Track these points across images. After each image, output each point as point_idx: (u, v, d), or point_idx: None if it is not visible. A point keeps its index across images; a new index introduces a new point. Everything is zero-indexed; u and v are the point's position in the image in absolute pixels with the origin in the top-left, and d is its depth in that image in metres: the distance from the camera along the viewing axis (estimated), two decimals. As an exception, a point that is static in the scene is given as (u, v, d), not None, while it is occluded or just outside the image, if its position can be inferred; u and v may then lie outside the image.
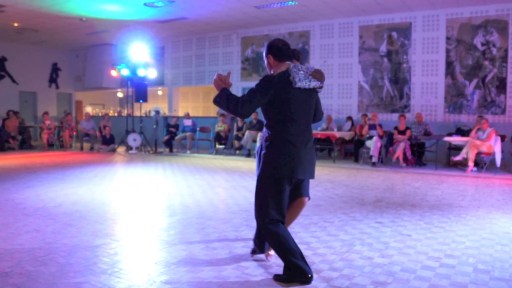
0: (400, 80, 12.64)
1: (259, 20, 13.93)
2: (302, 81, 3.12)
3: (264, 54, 3.33)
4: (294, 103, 3.11)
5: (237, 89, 15.59)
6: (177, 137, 13.99)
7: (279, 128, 3.13)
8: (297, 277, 3.08)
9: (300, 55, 3.67)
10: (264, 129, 3.27)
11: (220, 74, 3.21)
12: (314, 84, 3.18)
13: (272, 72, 3.22)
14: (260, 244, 3.64)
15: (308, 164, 3.18)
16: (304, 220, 5.05)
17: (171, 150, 14.04)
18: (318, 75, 3.19)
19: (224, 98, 3.12)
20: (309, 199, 3.55)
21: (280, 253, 3.11)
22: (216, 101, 3.15)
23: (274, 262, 3.60)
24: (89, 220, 4.96)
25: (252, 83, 15.17)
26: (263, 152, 3.21)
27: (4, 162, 10.95)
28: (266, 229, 3.12)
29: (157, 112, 14.55)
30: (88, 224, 4.80)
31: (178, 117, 15.01)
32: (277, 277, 3.18)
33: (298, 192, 3.41)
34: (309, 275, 3.09)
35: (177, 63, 17.22)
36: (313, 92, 3.27)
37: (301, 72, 3.15)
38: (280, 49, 3.25)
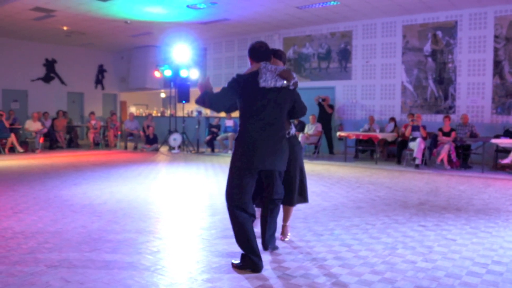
0: (445, 80, 12.30)
1: (301, 21, 13.88)
2: (267, 81, 3.37)
3: None
4: (258, 100, 3.36)
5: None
6: (218, 137, 14.11)
7: (243, 123, 3.44)
8: (248, 267, 3.38)
9: (283, 55, 4.08)
10: None
11: (206, 80, 3.56)
12: (280, 83, 3.41)
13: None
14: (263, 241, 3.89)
15: (268, 155, 3.40)
16: (345, 222, 4.99)
17: (212, 150, 14.18)
18: (285, 74, 3.44)
19: (203, 96, 3.44)
20: (290, 205, 3.97)
21: (237, 240, 3.45)
22: (198, 100, 3.47)
23: (316, 263, 3.58)
24: (133, 218, 5.08)
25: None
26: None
27: (53, 160, 11.37)
28: (230, 212, 3.45)
29: (199, 112, 14.73)
30: (132, 221, 4.91)
31: (220, 118, 15.15)
32: (233, 264, 3.49)
33: (271, 192, 3.66)
34: (259, 268, 3.35)
35: (219, 64, 17.39)
36: (284, 90, 3.47)
37: (269, 72, 3.40)
38: (256, 50, 3.59)
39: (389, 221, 5.08)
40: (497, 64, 11.55)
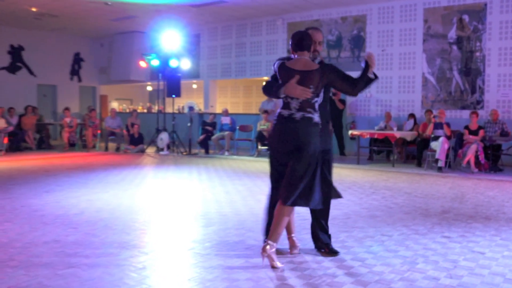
0: (472, 71, 12.31)
1: (308, 3, 13.90)
2: None
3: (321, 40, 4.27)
4: None
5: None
6: (213, 137, 14.12)
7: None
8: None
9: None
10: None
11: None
12: None
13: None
14: (316, 239, 4.40)
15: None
16: (358, 233, 5.00)
17: (207, 152, 14.20)
18: None
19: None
20: (285, 204, 3.93)
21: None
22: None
23: (325, 280, 3.59)
24: (114, 230, 5.08)
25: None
26: None
27: (20, 163, 11.37)
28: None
29: (191, 108, 14.74)
30: (113, 234, 4.92)
31: (215, 114, 15.16)
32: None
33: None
34: None
35: (214, 53, 17.41)
36: None
37: None
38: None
39: (408, 232, 5.08)
40: (531, 52, 11.56)
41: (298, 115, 3.95)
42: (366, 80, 4.09)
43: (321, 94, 4.13)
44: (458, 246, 4.59)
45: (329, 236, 4.43)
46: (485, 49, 12.12)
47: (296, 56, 4.11)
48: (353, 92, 4.10)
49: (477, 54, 12.23)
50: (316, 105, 4.04)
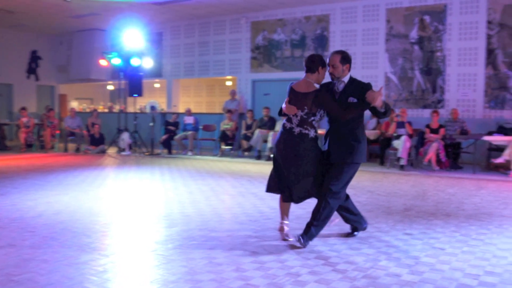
0: (433, 71, 12.59)
1: (272, 2, 13.96)
2: None
3: (338, 61, 4.57)
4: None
5: (246, 82, 15.61)
6: (176, 137, 14.04)
7: (357, 123, 4.65)
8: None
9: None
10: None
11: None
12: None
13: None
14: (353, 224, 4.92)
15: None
16: (322, 232, 5.05)
17: (169, 152, 14.10)
18: None
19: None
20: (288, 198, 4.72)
21: (325, 220, 4.60)
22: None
23: (289, 279, 3.61)
24: (74, 233, 4.99)
25: (263, 75, 15.20)
26: None
27: (-20, 165, 11.06)
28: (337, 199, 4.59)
29: (154, 107, 14.62)
30: (73, 237, 4.84)
31: (178, 114, 15.07)
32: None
33: None
34: None
35: (177, 52, 17.30)
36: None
37: None
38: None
39: (371, 230, 5.16)
40: (490, 52, 11.88)
41: (296, 130, 4.61)
42: (369, 110, 4.52)
43: (320, 113, 4.63)
44: (419, 243, 4.69)
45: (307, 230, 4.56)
46: (446, 49, 12.40)
47: (304, 77, 4.69)
48: (341, 117, 4.53)
49: (438, 54, 12.50)
50: (314, 123, 4.62)
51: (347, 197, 4.83)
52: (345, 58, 4.60)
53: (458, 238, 4.89)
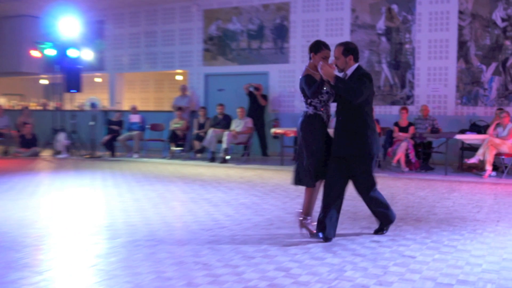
0: (401, 64, 12.81)
1: (225, -12, 13.93)
2: None
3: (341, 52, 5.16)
4: (373, 94, 5.33)
5: (198, 76, 15.54)
6: (120, 137, 13.86)
7: (364, 114, 5.18)
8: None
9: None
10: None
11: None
12: None
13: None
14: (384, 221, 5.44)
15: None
16: (282, 241, 5.06)
17: (113, 154, 13.92)
18: None
19: (342, 83, 4.98)
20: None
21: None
22: (338, 87, 4.99)
23: (244, 294, 3.59)
24: (1, 247, 4.86)
25: (217, 68, 15.16)
26: None
27: None
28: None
29: (94, 105, 14.41)
30: (0, 252, 4.71)
31: (122, 112, 14.88)
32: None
33: None
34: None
35: (120, 43, 17.07)
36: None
37: None
38: (357, 51, 5.26)
39: (335, 237, 5.20)
40: (462, 45, 12.18)
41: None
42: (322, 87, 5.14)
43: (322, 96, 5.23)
44: (388, 250, 4.75)
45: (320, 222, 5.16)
46: (415, 41, 12.65)
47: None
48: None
49: (407, 46, 12.74)
50: (314, 103, 5.27)
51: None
52: (348, 49, 5.14)
53: (429, 245, 4.98)
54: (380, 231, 5.43)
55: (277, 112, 14.39)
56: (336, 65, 5.13)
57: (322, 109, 5.27)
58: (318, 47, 5.26)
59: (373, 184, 5.30)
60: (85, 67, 15.62)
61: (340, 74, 5.17)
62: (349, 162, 5.19)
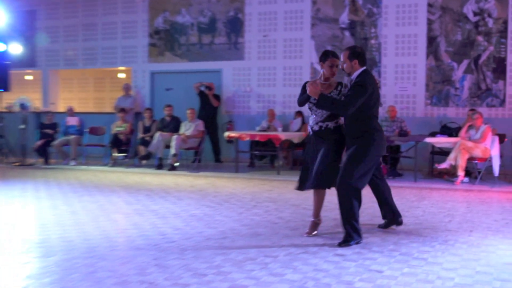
0: (367, 61, 12.93)
1: (173, -24, 13.86)
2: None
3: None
4: (378, 98, 6.06)
5: (143, 74, 15.42)
6: (55, 142, 13.64)
7: (369, 118, 5.75)
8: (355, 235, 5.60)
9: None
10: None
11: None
12: None
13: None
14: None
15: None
16: (237, 256, 5.05)
17: (46, 161, 13.69)
18: None
19: (330, 102, 5.69)
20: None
21: (347, 216, 5.63)
22: (324, 105, 5.74)
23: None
24: None
25: (164, 65, 15.06)
26: None
27: None
28: (351, 195, 5.65)
29: (24, 106, 14.13)
30: None
31: (53, 113, 14.63)
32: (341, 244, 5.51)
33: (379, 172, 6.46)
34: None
35: (55, 36, 16.79)
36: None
37: None
38: (363, 54, 5.88)
39: (296, 251, 5.22)
40: (431, 40, 12.42)
41: None
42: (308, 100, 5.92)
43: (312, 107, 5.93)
44: (353, 264, 4.79)
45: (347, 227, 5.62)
46: (381, 36, 12.83)
47: None
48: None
49: (372, 41, 12.92)
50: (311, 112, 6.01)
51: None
52: (354, 53, 5.73)
53: (397, 258, 5.04)
54: (344, 242, 5.52)
55: (231, 113, 14.38)
56: (343, 69, 5.82)
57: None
58: (325, 56, 5.87)
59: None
60: (14, 63, 15.31)
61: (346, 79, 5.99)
62: None
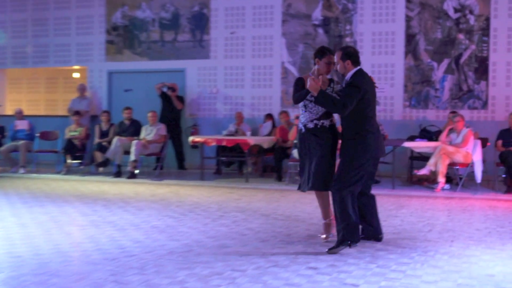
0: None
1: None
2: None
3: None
4: (375, 98, 6.42)
5: (100, 73, 15.31)
6: (2, 148, 13.48)
7: (363, 119, 5.98)
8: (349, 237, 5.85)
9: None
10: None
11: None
12: None
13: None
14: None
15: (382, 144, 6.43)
16: (202, 270, 5.04)
17: (-7, 169, 13.53)
18: None
19: (326, 97, 5.92)
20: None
21: (345, 221, 5.83)
22: (320, 101, 5.98)
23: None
24: None
25: (123, 64, 14.98)
26: None
27: None
28: (346, 197, 5.89)
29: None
30: None
31: (4, 117, 14.46)
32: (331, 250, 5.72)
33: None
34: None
35: (2, 31, 16.60)
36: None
37: None
38: (356, 54, 6.11)
39: (265, 265, 5.22)
40: (409, 38, 12.55)
41: None
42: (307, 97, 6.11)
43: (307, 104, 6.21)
44: (327, 278, 4.80)
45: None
46: (357, 33, 12.93)
47: None
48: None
49: (347, 39, 13.01)
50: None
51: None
52: (346, 54, 5.99)
53: (374, 270, 5.08)
54: (337, 247, 5.78)
55: (196, 117, 14.35)
56: (336, 70, 6.15)
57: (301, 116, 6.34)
58: (322, 53, 6.14)
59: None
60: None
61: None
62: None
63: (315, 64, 6.22)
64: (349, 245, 5.72)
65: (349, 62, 5.99)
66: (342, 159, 6.00)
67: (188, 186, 11.07)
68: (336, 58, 6.10)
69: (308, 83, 5.86)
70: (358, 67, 6.03)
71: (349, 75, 6.00)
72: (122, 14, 15.05)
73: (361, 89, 5.81)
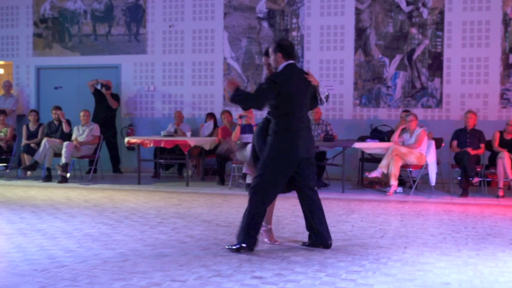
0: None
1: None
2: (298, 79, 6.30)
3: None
4: (300, 95, 6.27)
5: (27, 69, 15.06)
6: None
7: (284, 117, 6.10)
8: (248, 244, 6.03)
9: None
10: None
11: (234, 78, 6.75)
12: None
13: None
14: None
15: (308, 143, 6.30)
16: (139, 281, 5.00)
17: None
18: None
19: (240, 95, 6.05)
20: None
21: (251, 224, 6.01)
22: (234, 99, 6.05)
23: None
24: None
25: (53, 59, 14.79)
26: None
27: None
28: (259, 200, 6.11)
29: None
30: None
31: None
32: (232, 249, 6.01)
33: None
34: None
35: None
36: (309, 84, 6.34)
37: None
38: (291, 48, 6.30)
39: (207, 274, 5.21)
40: (360, 33, 12.69)
41: None
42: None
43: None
44: (273, 288, 4.83)
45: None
46: (304, 27, 13.01)
47: None
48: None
49: (294, 33, 13.07)
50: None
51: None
52: (278, 46, 6.15)
53: (323, 279, 5.09)
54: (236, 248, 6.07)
55: (132, 116, 14.26)
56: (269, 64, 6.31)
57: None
58: (267, 51, 6.39)
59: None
60: None
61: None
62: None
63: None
64: (245, 249, 5.93)
65: (280, 55, 6.10)
66: (260, 159, 6.15)
67: (124, 191, 10.97)
68: (269, 50, 6.25)
69: (226, 82, 6.14)
70: (290, 61, 6.14)
71: (279, 68, 6.14)
72: (51, 5, 14.83)
73: (276, 84, 5.92)
